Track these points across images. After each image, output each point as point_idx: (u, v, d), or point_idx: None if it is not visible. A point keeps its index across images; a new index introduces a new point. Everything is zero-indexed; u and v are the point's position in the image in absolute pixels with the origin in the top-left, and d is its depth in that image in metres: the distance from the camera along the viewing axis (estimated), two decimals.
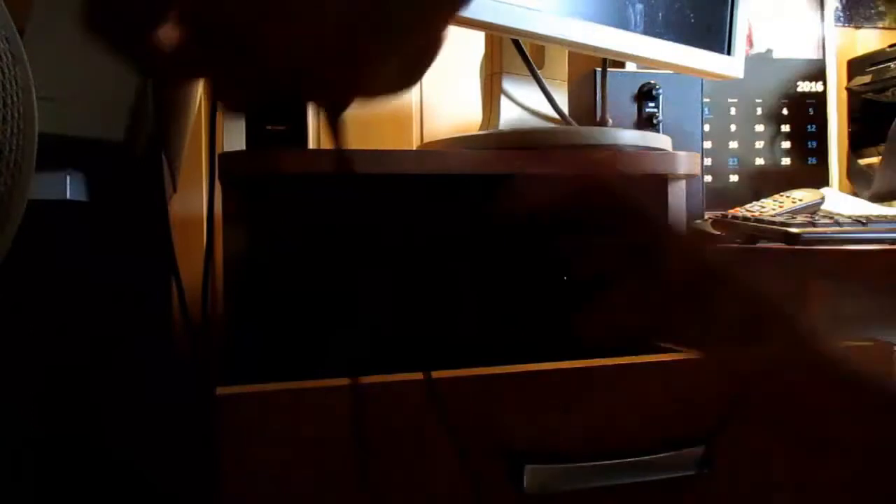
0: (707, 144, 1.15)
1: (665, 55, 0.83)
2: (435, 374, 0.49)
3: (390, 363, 0.66)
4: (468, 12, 0.67)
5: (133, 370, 0.66)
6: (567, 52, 0.86)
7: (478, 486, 0.49)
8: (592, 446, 0.51)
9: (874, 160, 1.17)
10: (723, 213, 0.80)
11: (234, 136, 0.68)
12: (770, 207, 0.89)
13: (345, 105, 0.29)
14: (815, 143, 1.20)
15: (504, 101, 0.82)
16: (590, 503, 0.51)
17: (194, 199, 1.10)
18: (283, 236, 0.68)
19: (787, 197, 0.92)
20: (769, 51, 1.21)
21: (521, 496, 0.49)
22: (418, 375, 0.48)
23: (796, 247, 0.65)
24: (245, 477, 0.45)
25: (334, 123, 0.30)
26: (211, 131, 0.73)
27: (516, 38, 0.79)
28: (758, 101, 1.18)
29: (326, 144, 1.13)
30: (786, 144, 1.19)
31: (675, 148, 0.82)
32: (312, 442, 0.46)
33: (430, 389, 0.47)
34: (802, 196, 0.91)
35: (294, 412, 0.46)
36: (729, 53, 0.89)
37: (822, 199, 0.91)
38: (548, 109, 0.83)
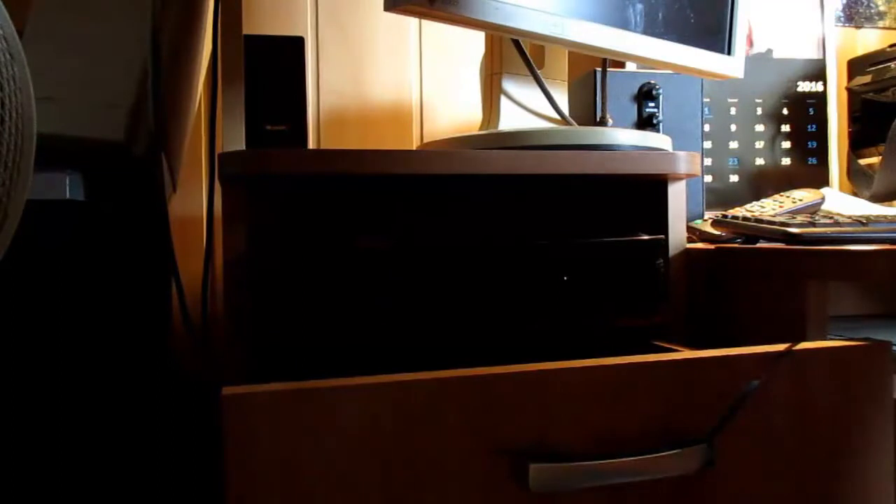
0: (707, 144, 1.15)
1: (665, 55, 0.83)
2: (438, 374, 0.48)
3: (392, 363, 0.66)
4: (468, 12, 0.67)
5: (133, 370, 0.66)
6: (567, 52, 0.86)
7: (482, 484, 0.49)
8: (594, 445, 0.51)
9: (874, 160, 1.17)
10: (723, 213, 0.80)
11: (234, 136, 0.68)
12: (770, 207, 0.89)
13: None
14: (815, 143, 1.20)
15: (504, 101, 0.82)
16: (591, 502, 0.51)
17: (194, 199, 1.10)
18: (283, 236, 0.68)
19: (787, 197, 0.92)
20: (769, 51, 1.21)
21: (524, 495, 0.49)
22: (422, 375, 0.48)
23: (796, 247, 0.65)
24: (250, 479, 0.45)
25: None
26: (211, 131, 0.73)
27: (516, 38, 0.79)
28: (758, 101, 1.18)
29: (326, 144, 1.13)
30: (786, 144, 1.19)
31: (675, 148, 0.82)
32: (318, 443, 0.46)
33: (436, 389, 0.47)
34: (802, 196, 0.91)
35: (300, 412, 0.46)
36: (729, 53, 0.89)
37: (822, 199, 0.91)
38: (548, 109, 0.83)
